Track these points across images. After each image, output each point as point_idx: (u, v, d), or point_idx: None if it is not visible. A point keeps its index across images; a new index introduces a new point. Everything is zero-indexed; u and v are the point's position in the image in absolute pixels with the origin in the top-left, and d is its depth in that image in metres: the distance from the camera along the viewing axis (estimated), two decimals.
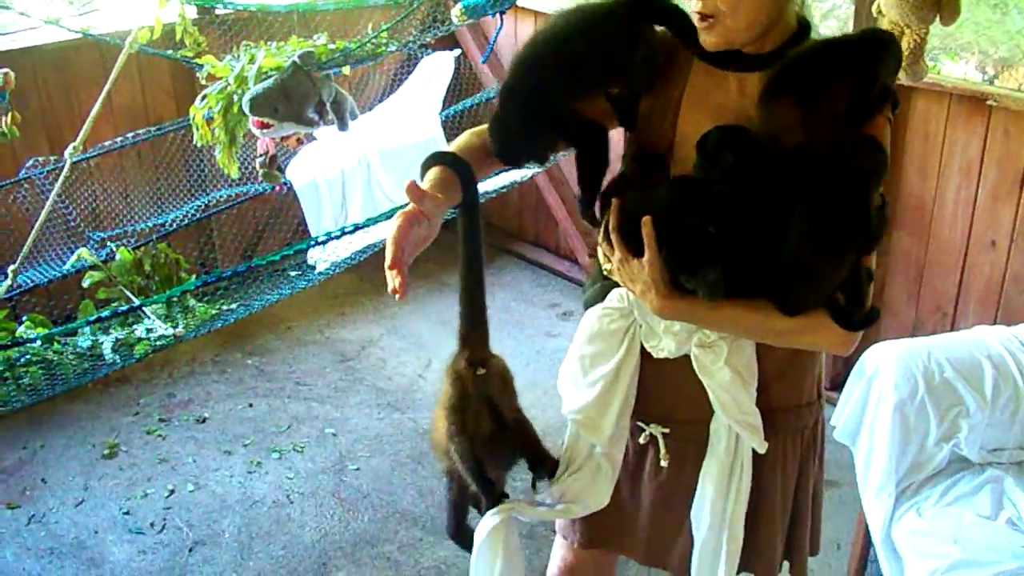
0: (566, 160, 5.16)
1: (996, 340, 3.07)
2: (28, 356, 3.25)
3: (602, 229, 1.88)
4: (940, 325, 4.00)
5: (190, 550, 3.55)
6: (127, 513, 3.72)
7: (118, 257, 3.71)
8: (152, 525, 3.67)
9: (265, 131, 3.28)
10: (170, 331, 3.13)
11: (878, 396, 2.95)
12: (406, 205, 1.84)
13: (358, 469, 3.97)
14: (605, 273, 1.93)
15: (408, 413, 4.33)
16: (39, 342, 3.16)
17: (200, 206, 4.48)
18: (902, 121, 3.84)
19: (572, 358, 2.08)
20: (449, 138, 4.64)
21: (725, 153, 1.72)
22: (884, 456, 2.90)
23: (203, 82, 3.46)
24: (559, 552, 2.39)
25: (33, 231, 3.09)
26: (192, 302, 3.52)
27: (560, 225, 5.37)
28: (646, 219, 1.75)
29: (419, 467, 3.98)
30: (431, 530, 3.65)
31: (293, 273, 3.74)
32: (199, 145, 3.44)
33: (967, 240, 3.87)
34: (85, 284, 3.69)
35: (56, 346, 3.31)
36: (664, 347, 1.94)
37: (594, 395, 2.00)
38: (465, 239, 2.06)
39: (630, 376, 2.00)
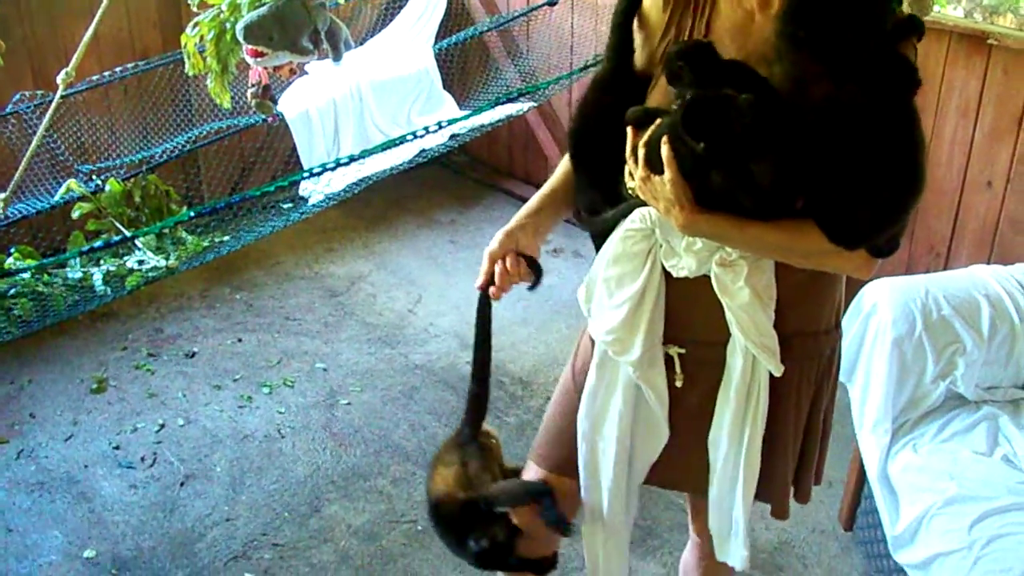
0: (557, 96, 5.11)
1: (993, 279, 3.07)
2: (18, 288, 3.20)
3: (628, 147, 1.85)
4: (933, 265, 4.00)
5: (181, 484, 3.54)
6: (117, 448, 3.71)
7: (107, 189, 3.64)
8: (143, 460, 3.65)
9: (259, 60, 3.21)
10: (162, 263, 3.09)
11: (875, 332, 2.95)
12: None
13: (349, 404, 3.96)
14: (628, 191, 1.91)
15: (399, 348, 4.32)
16: (29, 273, 3.11)
17: (189, 139, 4.42)
18: None
19: (595, 281, 2.06)
20: (441, 70, 4.60)
21: (674, 62, 1.74)
22: (881, 392, 2.91)
23: (195, 9, 3.38)
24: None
25: (24, 160, 3.03)
26: (183, 234, 3.47)
27: (550, 162, 5.32)
28: (664, 138, 1.73)
29: (410, 402, 3.98)
30: (423, 464, 3.64)
31: (286, 206, 3.69)
32: (190, 75, 3.36)
33: (963, 180, 3.86)
34: (74, 215, 3.63)
35: (46, 278, 3.26)
36: (684, 266, 1.92)
37: (622, 316, 1.99)
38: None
39: (655, 297, 1.98)
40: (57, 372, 4.12)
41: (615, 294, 2.01)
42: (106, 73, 4.17)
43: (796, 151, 1.68)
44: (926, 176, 1.74)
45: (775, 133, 1.67)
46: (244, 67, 3.44)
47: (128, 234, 3.03)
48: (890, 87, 1.68)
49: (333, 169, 3.15)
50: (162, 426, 3.82)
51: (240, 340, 4.37)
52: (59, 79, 3.02)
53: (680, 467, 2.17)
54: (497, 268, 2.10)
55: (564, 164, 2.17)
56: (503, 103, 3.95)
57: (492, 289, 2.11)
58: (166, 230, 3.48)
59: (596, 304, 2.06)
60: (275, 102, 3.84)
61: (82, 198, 3.62)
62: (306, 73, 4.21)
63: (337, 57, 3.42)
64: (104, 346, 4.31)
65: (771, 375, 1.98)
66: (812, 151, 1.68)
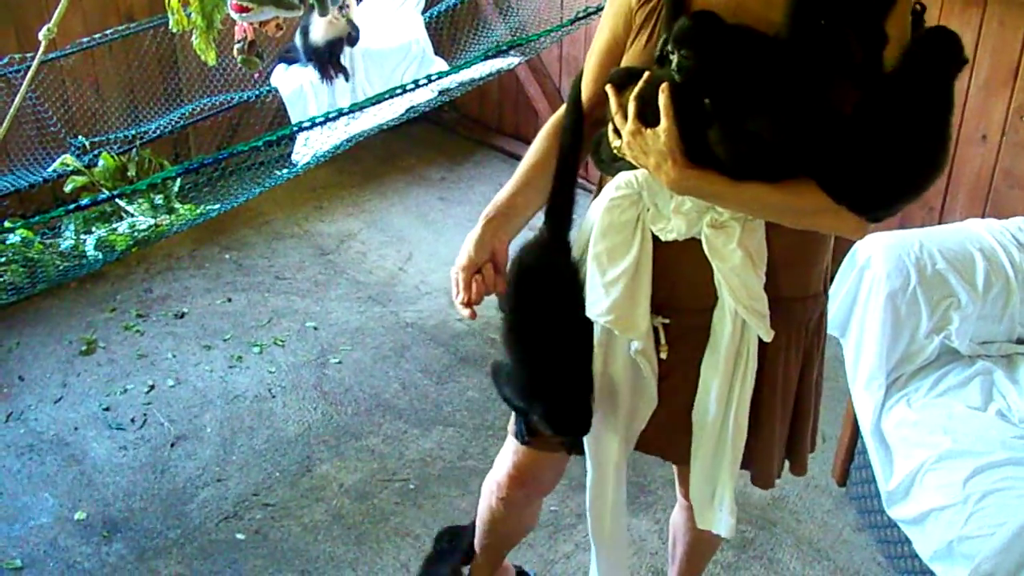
0: (547, 52, 5.06)
1: (988, 232, 3.06)
2: (9, 255, 3.17)
3: (612, 106, 1.81)
4: (927, 219, 3.97)
5: (172, 445, 3.52)
6: (107, 409, 3.68)
7: (101, 163, 3.62)
8: (133, 421, 3.63)
9: (244, 15, 3.17)
10: (151, 221, 3.06)
11: (869, 287, 2.94)
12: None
13: (340, 362, 3.94)
14: (614, 151, 1.86)
15: (389, 306, 4.29)
16: (19, 237, 3.08)
17: (182, 114, 4.40)
18: None
19: (583, 262, 2.01)
20: (432, 37, 4.54)
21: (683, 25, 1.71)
22: (875, 347, 2.90)
23: None
24: (511, 456, 2.33)
25: (8, 118, 2.99)
26: (176, 204, 3.45)
27: (540, 117, 5.28)
28: (664, 86, 1.69)
29: (401, 360, 3.96)
30: (414, 422, 3.63)
31: (279, 172, 3.65)
32: (175, 31, 3.31)
33: (957, 134, 3.82)
34: (67, 189, 3.61)
35: (38, 246, 3.24)
36: (673, 228, 1.87)
37: (619, 292, 1.92)
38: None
39: (649, 266, 1.93)
40: (46, 334, 4.09)
41: (608, 271, 1.94)
42: (96, 36, 4.11)
43: (797, 109, 1.67)
44: (949, 155, 1.75)
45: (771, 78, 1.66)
46: (230, 22, 3.40)
47: (112, 192, 2.99)
48: (933, 65, 1.68)
49: (323, 124, 3.10)
50: (152, 387, 3.79)
51: (230, 300, 4.34)
52: (41, 35, 2.97)
53: (664, 435, 2.14)
54: (475, 284, 1.97)
55: (541, 140, 2.09)
56: (492, 57, 3.90)
57: (467, 312, 1.97)
58: (159, 201, 3.47)
59: (588, 285, 1.98)
60: (261, 57, 3.79)
61: (76, 172, 3.59)
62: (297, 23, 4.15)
63: (323, 11, 3.37)
64: (93, 308, 4.27)
65: (759, 340, 1.96)
66: (818, 115, 1.68)
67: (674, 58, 1.71)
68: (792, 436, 2.18)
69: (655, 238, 1.92)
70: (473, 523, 2.68)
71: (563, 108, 2.05)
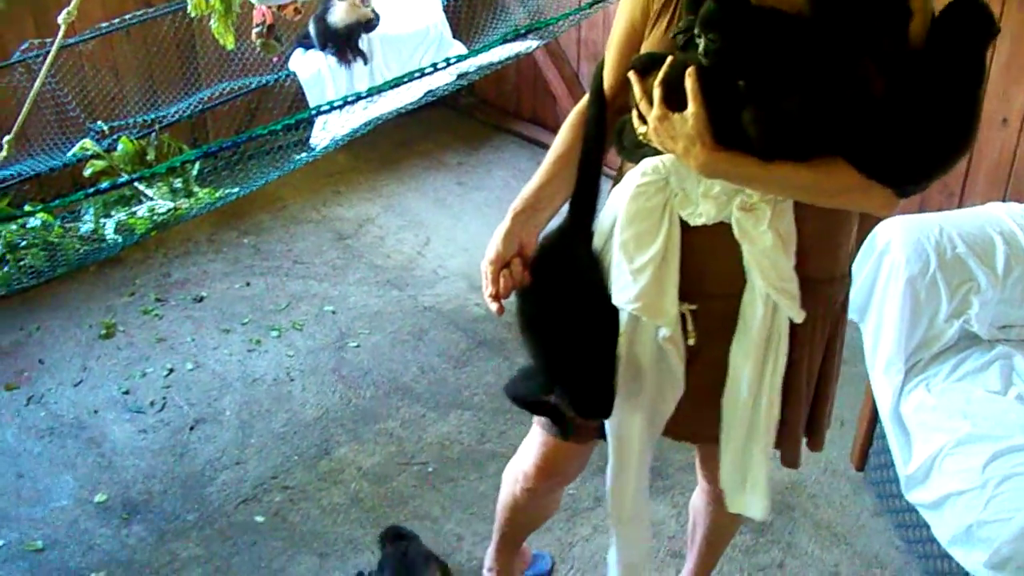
0: (565, 35, 5.04)
1: (1008, 216, 3.04)
2: (29, 239, 3.20)
3: (635, 92, 1.81)
4: (947, 204, 3.95)
5: (191, 428, 3.54)
6: (126, 393, 3.70)
7: (120, 147, 3.64)
8: (152, 404, 3.65)
9: None
10: (170, 204, 3.07)
11: (889, 271, 2.92)
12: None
13: (358, 346, 3.95)
14: (639, 138, 1.86)
15: (407, 290, 4.30)
16: (40, 221, 3.10)
17: (200, 99, 4.42)
18: None
19: (609, 250, 2.00)
20: (450, 20, 4.54)
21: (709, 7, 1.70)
22: (894, 332, 2.89)
23: None
24: (539, 447, 2.34)
25: (28, 101, 3.00)
26: (196, 188, 3.47)
27: (559, 103, 5.27)
28: (690, 70, 1.69)
29: (420, 344, 3.96)
30: (432, 406, 3.64)
31: (297, 156, 3.66)
32: (193, 15, 3.32)
33: None
34: (87, 173, 3.63)
35: (58, 230, 3.26)
36: (703, 213, 1.86)
37: (648, 279, 1.91)
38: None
39: (677, 252, 1.92)
40: (65, 318, 4.11)
41: (635, 258, 1.93)
42: (114, 21, 4.12)
43: (829, 86, 1.67)
44: (979, 126, 1.76)
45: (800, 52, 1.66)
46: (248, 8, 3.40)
47: (131, 176, 3.00)
48: (965, 36, 1.68)
49: (341, 108, 3.11)
50: (171, 371, 3.81)
51: (248, 284, 4.35)
52: (60, 19, 2.98)
53: (690, 421, 2.14)
54: (503, 278, 1.98)
55: (566, 130, 2.09)
56: (510, 40, 3.90)
57: (496, 306, 1.99)
58: (178, 184, 3.48)
59: (615, 272, 1.97)
60: (280, 42, 3.80)
61: (95, 156, 3.60)
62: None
63: None
64: (112, 292, 4.29)
65: (789, 323, 1.95)
66: (849, 91, 1.67)
67: (701, 42, 1.70)
68: (812, 415, 2.19)
69: (682, 224, 1.91)
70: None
71: (586, 98, 2.04)
